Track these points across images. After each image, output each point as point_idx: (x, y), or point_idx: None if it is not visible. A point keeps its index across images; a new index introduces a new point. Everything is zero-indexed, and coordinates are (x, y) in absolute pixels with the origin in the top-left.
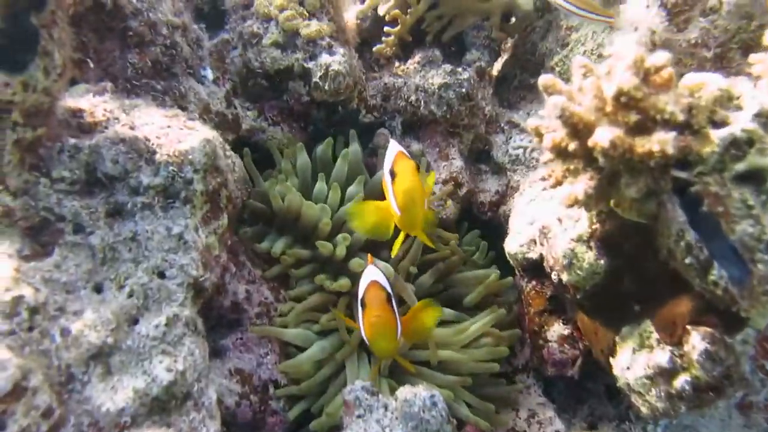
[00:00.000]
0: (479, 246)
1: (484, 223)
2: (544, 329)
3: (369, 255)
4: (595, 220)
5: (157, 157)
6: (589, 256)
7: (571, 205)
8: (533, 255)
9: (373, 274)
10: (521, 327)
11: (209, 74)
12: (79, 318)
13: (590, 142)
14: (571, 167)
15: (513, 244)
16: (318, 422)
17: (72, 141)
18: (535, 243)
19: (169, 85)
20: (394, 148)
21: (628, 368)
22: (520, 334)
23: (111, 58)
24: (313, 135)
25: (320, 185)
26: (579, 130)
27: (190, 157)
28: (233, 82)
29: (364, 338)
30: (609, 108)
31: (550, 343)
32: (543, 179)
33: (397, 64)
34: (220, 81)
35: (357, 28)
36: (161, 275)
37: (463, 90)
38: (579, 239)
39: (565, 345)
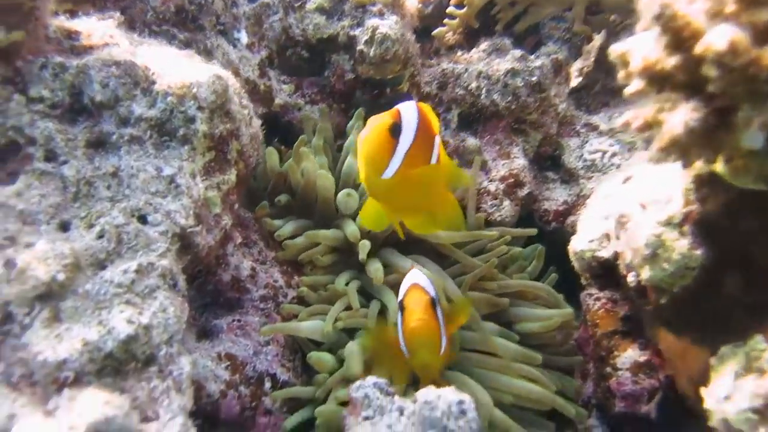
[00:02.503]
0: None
1: (546, 235)
2: (613, 355)
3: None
4: (692, 197)
5: (156, 87)
6: (680, 245)
7: (663, 151)
8: (605, 253)
9: (415, 277)
10: (583, 353)
11: (243, 37)
12: (30, 250)
13: (700, 48)
14: (667, 103)
15: (581, 241)
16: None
17: (58, 58)
18: (609, 239)
19: (194, 37)
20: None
21: (726, 398)
22: (581, 360)
23: None
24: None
25: (351, 160)
26: (683, 39)
27: (194, 90)
28: (270, 51)
29: (403, 349)
30: (730, 6)
31: (620, 372)
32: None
33: (459, 53)
34: (254, 47)
35: (418, 13)
36: (142, 219)
37: (534, 79)
38: (668, 222)
39: (641, 374)
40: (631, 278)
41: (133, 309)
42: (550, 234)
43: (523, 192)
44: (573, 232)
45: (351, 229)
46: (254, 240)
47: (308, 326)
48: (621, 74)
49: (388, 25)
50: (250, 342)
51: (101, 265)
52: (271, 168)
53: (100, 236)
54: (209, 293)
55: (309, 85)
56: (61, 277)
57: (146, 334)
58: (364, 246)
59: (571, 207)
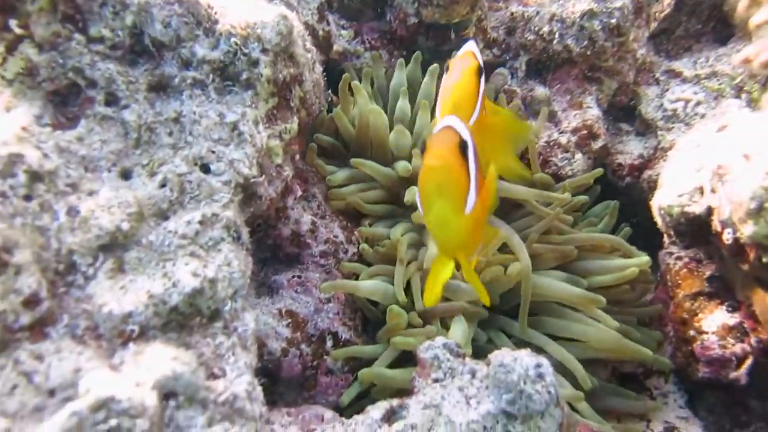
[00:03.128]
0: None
1: (620, 191)
2: (697, 317)
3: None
4: None
5: (219, 26)
6: None
7: None
8: (696, 208)
9: (449, 120)
10: (661, 317)
11: None
12: (93, 198)
13: None
14: None
15: (668, 196)
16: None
17: None
18: (702, 192)
19: None
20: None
21: None
22: (661, 308)
23: None
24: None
25: (402, 103)
26: None
27: (258, 31)
28: None
29: (417, 201)
30: None
31: (705, 336)
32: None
33: None
34: None
35: None
36: (205, 168)
37: (613, 21)
38: None
39: (729, 338)
40: (727, 235)
41: (198, 261)
42: (624, 190)
43: (597, 144)
44: (649, 188)
45: (402, 164)
46: (314, 193)
47: (368, 286)
48: (743, 3)
49: None
50: (311, 299)
51: (164, 215)
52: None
53: (163, 185)
54: (269, 247)
55: (369, 31)
56: (125, 226)
57: (211, 288)
58: (411, 190)
59: (648, 161)
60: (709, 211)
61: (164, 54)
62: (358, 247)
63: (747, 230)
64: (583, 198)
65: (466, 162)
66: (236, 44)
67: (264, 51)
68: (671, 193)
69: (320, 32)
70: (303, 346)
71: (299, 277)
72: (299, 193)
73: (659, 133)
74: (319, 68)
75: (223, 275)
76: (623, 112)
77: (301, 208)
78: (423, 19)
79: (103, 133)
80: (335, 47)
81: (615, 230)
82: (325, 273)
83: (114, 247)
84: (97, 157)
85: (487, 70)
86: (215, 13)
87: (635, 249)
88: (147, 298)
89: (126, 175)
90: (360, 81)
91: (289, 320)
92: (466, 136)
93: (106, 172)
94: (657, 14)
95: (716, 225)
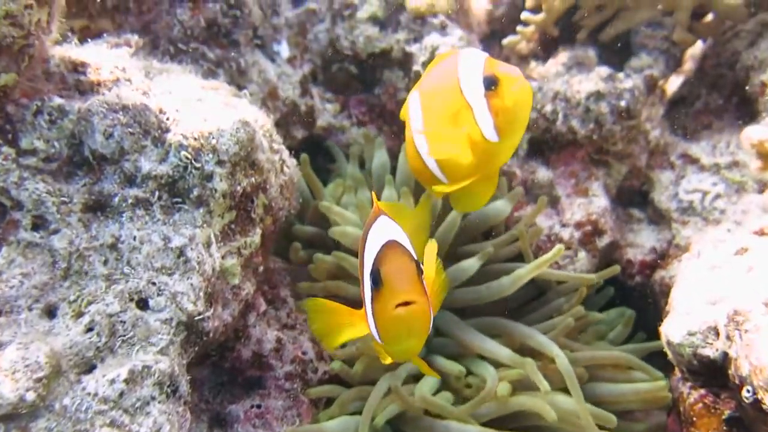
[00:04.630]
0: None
1: (627, 291)
2: None
3: (372, 193)
4: None
5: (169, 136)
6: None
7: None
8: (710, 352)
9: (386, 228)
10: None
11: (284, 50)
12: None
13: None
14: None
15: (678, 330)
16: None
17: (57, 101)
18: (717, 334)
19: (226, 55)
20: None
21: None
22: None
23: (156, 11)
24: None
25: (388, 193)
26: None
27: (214, 142)
28: (313, 65)
29: (374, 335)
30: None
31: None
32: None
33: (533, 64)
34: (296, 61)
35: (487, 16)
36: (142, 304)
37: (623, 104)
38: None
39: None
40: (747, 393)
41: None
42: (632, 290)
43: (602, 241)
44: (661, 291)
45: None
46: (283, 298)
47: (335, 427)
48: (756, 165)
49: (450, 44)
50: None
51: (88, 366)
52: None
53: (89, 329)
54: (226, 371)
55: (356, 104)
56: (30, 396)
57: None
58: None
59: (660, 257)
60: (725, 357)
61: (105, 168)
62: (329, 365)
63: None
64: (598, 316)
65: (423, 287)
66: (187, 157)
67: (220, 163)
68: (681, 328)
69: (303, 107)
70: None
71: (259, 406)
72: (263, 307)
73: (674, 226)
74: (292, 162)
75: None
76: (635, 197)
77: (265, 324)
78: None
79: (26, 264)
80: (319, 122)
81: (628, 341)
82: (291, 399)
83: (17, 417)
84: (15, 295)
85: None
86: (167, 119)
87: (652, 369)
88: None
89: (50, 312)
90: (346, 159)
91: None
92: (410, 247)
93: (26, 311)
94: (681, 82)
95: (734, 377)
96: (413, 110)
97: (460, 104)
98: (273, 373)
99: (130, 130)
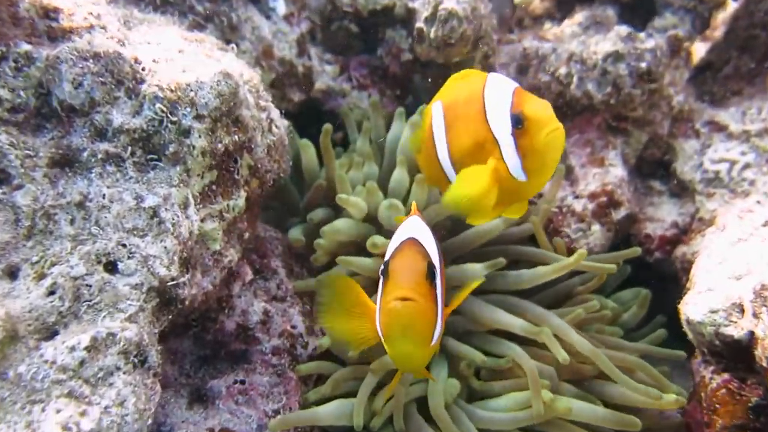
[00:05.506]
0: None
1: (646, 268)
2: None
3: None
4: None
5: (144, 87)
6: None
7: None
8: (734, 331)
9: (413, 228)
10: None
11: (280, 6)
12: None
13: None
14: None
15: (699, 308)
16: None
17: (24, 47)
18: (742, 311)
19: (216, 9)
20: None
21: None
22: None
23: None
24: (412, 109)
25: (399, 173)
26: None
27: (192, 94)
28: (312, 23)
29: (379, 333)
30: None
31: None
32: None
33: (547, 25)
34: (293, 18)
35: None
36: (110, 268)
37: (643, 65)
38: None
39: None
40: None
41: (76, 405)
42: (652, 267)
43: (618, 214)
44: (683, 269)
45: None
46: (274, 269)
47: (329, 412)
48: None
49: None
50: (254, 412)
51: (50, 332)
52: (309, 169)
53: (51, 292)
54: (209, 344)
55: (357, 66)
56: None
57: None
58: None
59: (683, 232)
60: (751, 337)
61: (74, 121)
62: (319, 340)
63: None
64: (610, 307)
65: (434, 289)
66: (163, 110)
67: (198, 117)
68: (702, 305)
69: (300, 68)
70: None
71: (243, 382)
72: (249, 276)
73: (698, 198)
74: (282, 123)
75: (111, 421)
76: (656, 167)
77: (251, 295)
78: (418, 56)
79: None
80: (317, 85)
81: (645, 323)
82: (277, 375)
83: None
84: None
85: None
86: (143, 69)
87: (667, 381)
88: None
89: (12, 274)
90: (357, 131)
91: None
92: (434, 252)
93: None
94: (709, 44)
95: (761, 359)
96: (437, 128)
97: (485, 136)
98: (259, 347)
99: (101, 79)
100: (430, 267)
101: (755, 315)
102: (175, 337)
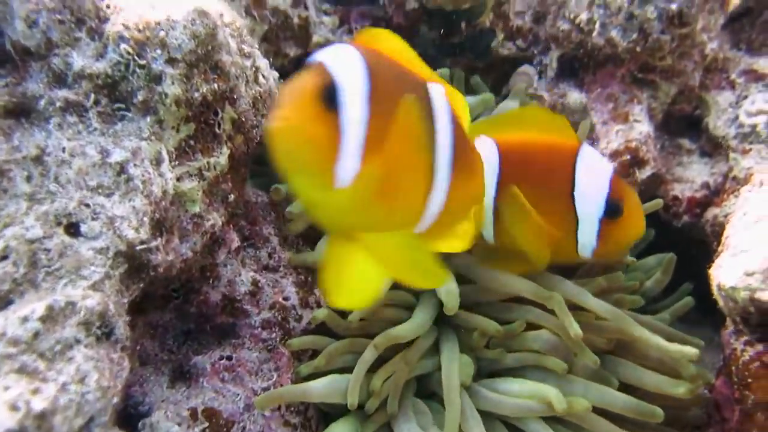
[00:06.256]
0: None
1: (675, 232)
2: None
3: None
4: None
5: (108, 26)
6: None
7: None
8: None
9: (329, 53)
10: (722, 421)
11: None
12: None
13: None
14: None
15: (732, 272)
16: None
17: None
18: None
19: None
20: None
21: None
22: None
23: None
24: None
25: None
26: None
27: (162, 34)
28: None
29: None
30: None
31: None
32: None
33: None
34: None
35: None
36: (72, 230)
37: (674, 6)
38: None
39: None
40: None
41: (28, 382)
42: (680, 231)
43: (644, 173)
44: (713, 233)
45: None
46: (265, 236)
47: (321, 388)
48: None
49: None
50: (241, 390)
51: (4, 301)
52: None
53: (4, 257)
54: (193, 317)
55: (358, 17)
56: None
57: (41, 427)
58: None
59: (714, 194)
60: None
61: (29, 65)
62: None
63: None
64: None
65: (334, 112)
66: (129, 52)
67: (171, 61)
68: (737, 268)
69: (295, 19)
70: None
71: (229, 358)
72: (235, 243)
73: (731, 155)
74: (270, 74)
75: (69, 399)
76: (685, 124)
77: (238, 263)
78: (424, 4)
79: None
80: (315, 38)
81: (671, 290)
82: (267, 351)
83: None
84: None
85: (511, 67)
86: (107, 6)
87: (687, 367)
88: None
89: None
90: None
91: (207, 424)
92: (345, 71)
93: None
94: None
95: None
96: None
97: (563, 208)
98: (248, 320)
99: (59, 17)
100: (328, 87)
101: None
102: (155, 310)
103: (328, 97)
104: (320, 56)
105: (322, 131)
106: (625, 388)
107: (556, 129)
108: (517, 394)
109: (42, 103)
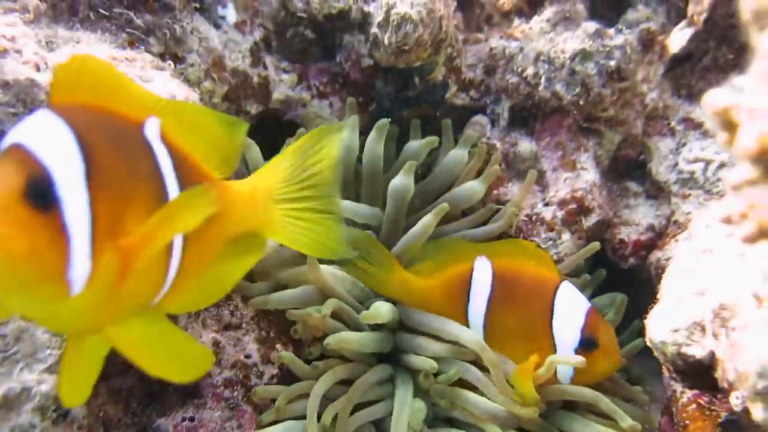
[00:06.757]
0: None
1: (621, 274)
2: None
3: None
4: None
5: None
6: None
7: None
8: (696, 351)
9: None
10: None
11: (230, 15)
12: None
13: None
14: None
15: (661, 327)
16: None
17: None
18: (703, 331)
19: (158, 21)
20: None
21: None
22: None
23: None
24: (376, 117)
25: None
26: None
27: None
28: (265, 31)
29: None
30: None
31: None
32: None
33: (516, 22)
34: (246, 27)
35: None
36: None
37: (612, 63)
38: None
39: None
40: (736, 400)
41: None
42: (625, 275)
43: (589, 221)
44: (657, 275)
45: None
46: (229, 294)
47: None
48: (722, 138)
49: (409, 2)
50: None
51: None
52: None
53: None
54: (156, 379)
55: (317, 74)
56: None
57: None
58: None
59: (658, 236)
60: (712, 358)
61: None
62: (278, 366)
63: (757, 414)
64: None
65: (51, 210)
66: None
67: None
68: (665, 323)
69: (255, 78)
70: None
71: (191, 419)
72: None
73: (673, 200)
74: None
75: None
76: (632, 168)
77: (199, 325)
78: (378, 62)
79: None
80: (275, 95)
81: (622, 329)
82: (230, 409)
83: None
84: None
85: (464, 117)
86: None
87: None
88: None
89: None
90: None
91: None
92: (53, 153)
93: None
94: (686, 33)
95: (722, 381)
96: (478, 287)
97: (541, 336)
98: (210, 380)
99: (12, 110)
100: (40, 183)
101: (714, 336)
102: (117, 376)
103: (40, 193)
104: (16, 136)
105: (41, 238)
106: None
107: (544, 264)
108: None
109: None
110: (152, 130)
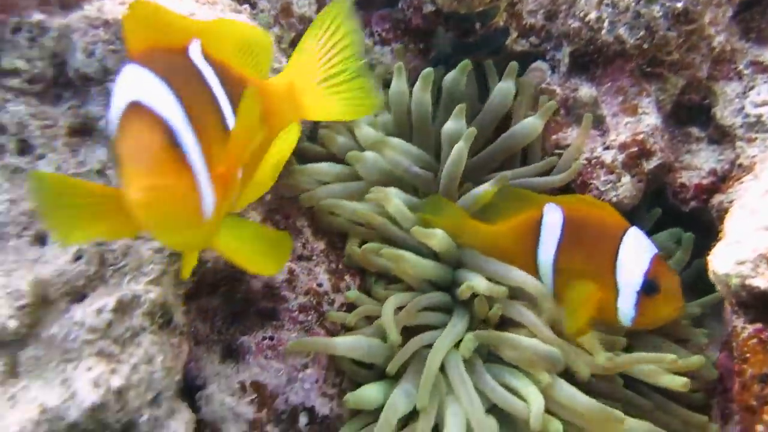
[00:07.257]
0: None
1: (683, 217)
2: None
3: None
4: None
5: None
6: None
7: None
8: (762, 283)
9: (137, 83)
10: (725, 392)
11: None
12: None
13: None
14: None
15: (725, 260)
16: None
17: (36, 17)
18: None
19: None
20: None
21: None
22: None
23: None
24: (436, 63)
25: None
26: None
27: None
28: None
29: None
30: None
31: None
32: None
33: None
34: None
35: None
36: None
37: (679, 5)
38: None
39: None
40: None
41: (105, 364)
42: (686, 217)
43: (651, 164)
44: (719, 218)
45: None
46: (299, 228)
47: (346, 343)
48: None
49: None
50: (283, 366)
51: (80, 295)
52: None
53: (78, 257)
54: (239, 301)
55: (379, 20)
56: (12, 324)
57: (119, 400)
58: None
59: (721, 180)
60: None
61: (90, 89)
62: (345, 296)
63: None
64: None
65: (182, 157)
66: None
67: None
68: (729, 256)
69: None
70: (268, 429)
71: (271, 338)
72: None
73: (738, 144)
74: None
75: (140, 377)
76: (695, 113)
77: None
78: (440, 7)
79: (13, 190)
80: None
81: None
82: (304, 331)
83: (6, 344)
84: (2, 223)
85: (525, 63)
86: None
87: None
88: (39, 413)
89: (41, 240)
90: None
91: (255, 395)
92: (175, 114)
93: (14, 238)
94: None
95: None
96: (549, 232)
97: (605, 277)
98: (286, 305)
99: (112, 47)
100: (169, 134)
101: None
102: (206, 296)
103: (174, 143)
104: (127, 94)
105: (185, 183)
106: None
107: (611, 215)
108: (511, 387)
109: (101, 123)
110: (195, 52)
